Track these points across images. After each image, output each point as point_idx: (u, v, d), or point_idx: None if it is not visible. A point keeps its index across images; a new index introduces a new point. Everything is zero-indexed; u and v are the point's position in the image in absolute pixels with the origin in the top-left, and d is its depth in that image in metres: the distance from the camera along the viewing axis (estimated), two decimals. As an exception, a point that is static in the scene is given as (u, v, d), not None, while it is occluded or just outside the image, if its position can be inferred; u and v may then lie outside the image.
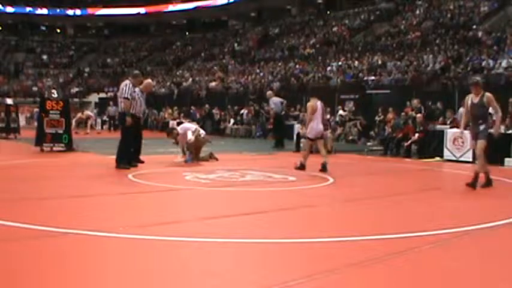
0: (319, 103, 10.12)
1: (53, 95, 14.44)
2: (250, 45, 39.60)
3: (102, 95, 40.30)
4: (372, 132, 18.98)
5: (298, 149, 14.64)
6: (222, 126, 24.77)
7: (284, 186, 8.09)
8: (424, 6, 30.05)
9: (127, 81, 10.02)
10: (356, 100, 21.71)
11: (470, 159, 12.19)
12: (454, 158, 12.44)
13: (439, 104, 16.90)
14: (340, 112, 21.03)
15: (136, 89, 10.19)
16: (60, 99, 14.16)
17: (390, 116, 16.39)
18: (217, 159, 11.42)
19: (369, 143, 17.68)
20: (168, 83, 37.20)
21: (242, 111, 24.67)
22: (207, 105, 26.26)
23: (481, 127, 7.69)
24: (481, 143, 7.73)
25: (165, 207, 6.23)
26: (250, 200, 6.87)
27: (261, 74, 31.53)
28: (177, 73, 40.10)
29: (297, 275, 3.43)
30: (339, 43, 31.46)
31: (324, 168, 9.72)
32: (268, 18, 44.62)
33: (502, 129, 12.89)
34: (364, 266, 3.71)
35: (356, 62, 26.12)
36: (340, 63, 27.11)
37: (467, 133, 8.38)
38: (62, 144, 13.28)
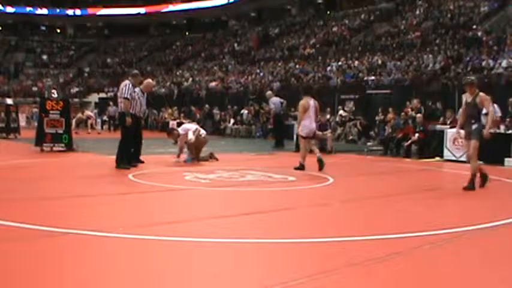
0: (312, 102, 10.12)
1: (53, 95, 14.44)
2: (250, 45, 39.60)
3: (102, 95, 40.29)
4: (372, 132, 18.98)
5: (298, 149, 14.61)
6: (222, 126, 24.77)
7: (284, 186, 8.09)
8: (424, 6, 30.04)
9: (127, 82, 10.03)
10: (356, 100, 21.72)
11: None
12: (454, 158, 12.44)
13: (439, 104, 16.90)
14: (341, 112, 21.04)
15: (137, 89, 10.20)
16: (60, 99, 14.17)
17: (390, 116, 16.40)
18: (217, 159, 11.42)
19: (369, 143, 17.68)
20: (168, 83, 37.19)
21: (242, 111, 24.69)
22: (207, 105, 26.27)
23: (473, 126, 7.68)
24: (474, 143, 7.73)
25: (165, 207, 6.23)
26: (250, 200, 6.87)
27: (261, 74, 31.53)
28: (177, 73, 40.09)
29: (297, 275, 3.43)
30: (339, 43, 31.45)
31: (321, 163, 9.73)
32: (268, 18, 44.61)
33: (502, 129, 12.91)
34: (364, 266, 3.71)
35: (356, 62, 26.11)
36: (340, 63, 27.10)
37: (463, 133, 8.38)
38: (62, 144, 13.29)
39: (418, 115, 14.47)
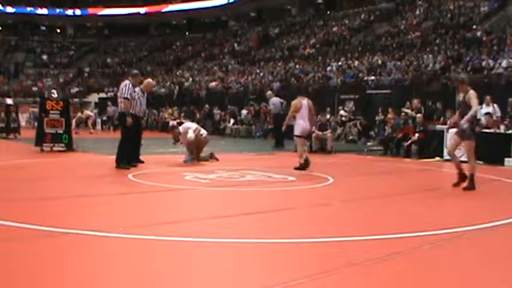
0: (305, 102, 10.18)
1: (53, 95, 14.44)
2: (250, 45, 39.60)
3: (102, 95, 40.27)
4: (372, 132, 18.98)
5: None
6: (222, 126, 24.78)
7: (284, 186, 8.10)
8: (424, 6, 30.03)
9: (127, 82, 10.03)
10: (356, 100, 21.71)
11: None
12: (454, 158, 12.41)
13: (439, 104, 16.90)
14: (342, 112, 21.04)
15: (137, 89, 10.20)
16: (60, 99, 14.17)
17: (390, 116, 16.39)
18: (217, 159, 11.41)
19: (369, 143, 17.68)
20: (168, 83, 37.19)
21: (242, 111, 24.69)
22: (207, 105, 26.26)
23: (465, 126, 7.66)
24: (469, 144, 7.72)
25: (165, 207, 6.23)
26: (250, 200, 6.87)
27: (261, 74, 31.53)
28: (177, 73, 40.09)
29: (297, 275, 3.43)
30: (339, 43, 31.45)
31: (306, 163, 9.87)
32: (268, 18, 44.61)
33: (502, 129, 12.91)
34: (364, 266, 3.71)
35: (356, 62, 26.10)
36: (340, 63, 27.09)
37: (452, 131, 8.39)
38: (62, 144, 13.29)
39: (418, 115, 14.47)
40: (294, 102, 10.28)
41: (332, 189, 7.95)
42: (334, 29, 34.28)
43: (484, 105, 14.34)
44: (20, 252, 3.94)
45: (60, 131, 13.27)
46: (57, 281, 3.35)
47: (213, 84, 32.35)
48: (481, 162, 11.86)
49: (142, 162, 10.46)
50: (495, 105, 14.36)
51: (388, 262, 3.86)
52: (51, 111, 13.26)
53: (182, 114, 26.44)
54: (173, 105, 29.56)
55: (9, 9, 50.89)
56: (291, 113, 10.35)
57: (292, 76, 28.09)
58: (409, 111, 15.83)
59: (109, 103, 30.86)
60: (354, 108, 21.21)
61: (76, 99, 37.90)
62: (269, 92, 18.47)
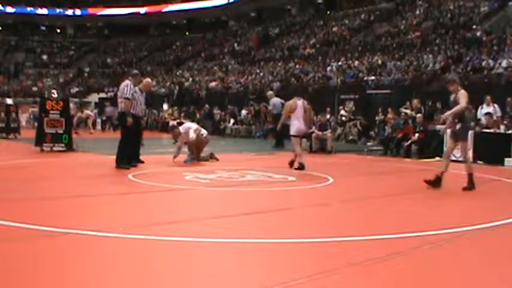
0: (300, 102, 10.27)
1: (53, 95, 14.43)
2: (250, 45, 39.60)
3: (102, 95, 40.28)
4: (372, 132, 18.98)
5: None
6: (222, 126, 24.77)
7: (284, 186, 8.10)
8: (424, 6, 30.04)
9: (128, 82, 10.02)
10: (356, 100, 21.70)
11: (471, 160, 12.16)
12: (454, 158, 12.33)
13: (439, 104, 16.89)
14: (342, 112, 21.04)
15: (136, 88, 10.21)
16: (60, 99, 14.16)
17: (390, 116, 16.39)
18: (217, 160, 11.41)
19: (369, 143, 17.67)
20: (168, 83, 37.20)
21: (242, 111, 24.69)
22: (207, 105, 26.26)
23: (457, 126, 7.66)
24: (463, 145, 7.76)
25: (165, 207, 6.23)
26: (250, 200, 6.87)
27: (261, 74, 31.53)
28: (177, 73, 40.09)
29: (297, 275, 3.43)
30: (339, 43, 31.45)
31: (291, 165, 10.12)
32: (268, 18, 44.61)
33: (502, 129, 12.91)
34: (364, 266, 3.71)
35: (356, 62, 26.10)
36: (340, 63, 27.09)
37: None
38: (62, 144, 13.28)
39: (418, 115, 14.47)
40: (289, 103, 10.47)
41: (332, 189, 7.95)
42: (334, 29, 34.28)
43: (484, 105, 14.34)
44: (20, 252, 3.94)
45: (60, 131, 13.27)
46: (57, 281, 3.35)
47: (213, 84, 32.35)
48: (481, 162, 11.91)
49: (142, 162, 10.46)
50: (496, 105, 14.36)
51: (388, 262, 3.86)
52: (51, 111, 13.26)
53: (182, 114, 26.45)
54: (173, 105, 29.56)
55: (9, 9, 50.92)
56: (285, 113, 10.53)
57: (292, 76, 28.09)
58: (407, 111, 15.84)
59: (107, 103, 30.86)
60: (354, 108, 21.21)
61: (76, 99, 37.92)
62: (270, 92, 18.46)
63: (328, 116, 17.90)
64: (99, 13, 53.08)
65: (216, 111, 25.88)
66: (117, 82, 27.44)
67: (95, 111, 32.90)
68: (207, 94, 30.68)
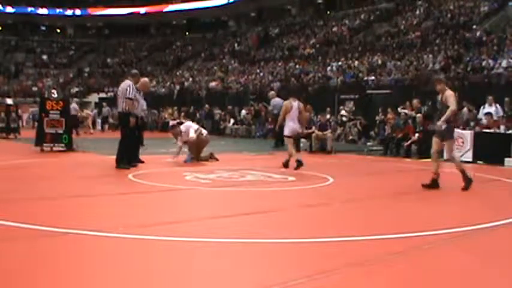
0: (295, 103, 10.42)
1: (53, 95, 14.43)
2: (250, 45, 39.60)
3: (102, 95, 40.27)
4: (372, 132, 18.98)
5: (298, 149, 14.61)
6: (222, 126, 24.77)
7: (284, 186, 8.10)
8: (424, 6, 30.03)
9: (129, 82, 9.99)
10: (356, 100, 21.70)
11: (471, 159, 12.20)
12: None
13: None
14: (342, 112, 21.04)
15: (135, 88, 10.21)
16: (60, 99, 14.16)
17: (390, 116, 16.39)
18: (217, 160, 11.41)
19: (369, 143, 17.68)
20: (168, 83, 37.20)
21: (242, 111, 24.69)
22: (207, 105, 26.26)
23: (444, 126, 7.66)
24: (450, 143, 7.75)
25: (165, 207, 6.23)
26: (250, 200, 6.87)
27: (261, 74, 31.53)
28: (177, 73, 40.09)
29: (297, 275, 3.43)
30: (339, 43, 31.45)
31: (285, 165, 10.20)
32: (268, 18, 44.58)
33: (502, 129, 12.91)
34: (364, 266, 3.72)
35: (356, 62, 26.11)
36: (340, 63, 27.09)
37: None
38: (62, 144, 13.28)
39: (418, 115, 14.47)
40: (285, 103, 10.64)
41: (332, 189, 7.95)
42: (334, 29, 34.27)
43: (486, 105, 14.33)
44: (20, 252, 3.94)
45: (60, 131, 13.26)
46: (57, 281, 3.35)
47: (213, 84, 32.35)
48: (481, 162, 11.92)
49: (143, 162, 10.46)
50: (498, 105, 14.34)
51: (388, 262, 3.87)
52: (51, 111, 13.25)
53: (182, 114, 26.45)
54: (173, 105, 29.55)
55: (9, 9, 50.89)
56: (282, 114, 10.67)
57: (292, 76, 28.09)
58: (404, 111, 15.84)
59: (104, 103, 30.86)
60: (354, 108, 21.21)
61: (76, 99, 37.91)
62: (272, 92, 18.49)
63: (328, 116, 17.90)
64: (99, 13, 53.04)
65: (216, 111, 25.88)
66: (117, 82, 27.44)
67: (95, 111, 32.91)
68: (207, 94, 30.67)
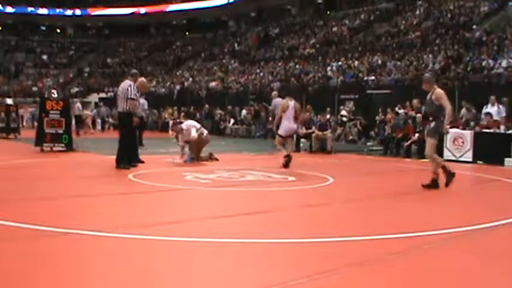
0: (292, 103, 10.49)
1: (53, 95, 14.42)
2: (250, 45, 39.60)
3: (102, 95, 40.29)
4: (372, 132, 18.98)
5: (298, 149, 14.65)
6: (222, 126, 24.78)
7: (284, 186, 8.09)
8: (424, 6, 30.04)
9: (130, 82, 9.98)
10: (356, 100, 21.71)
11: (471, 159, 12.21)
12: (454, 158, 12.43)
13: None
14: (343, 112, 21.04)
15: (135, 88, 10.22)
16: (60, 99, 14.16)
17: (390, 116, 16.40)
18: (217, 160, 11.41)
19: (369, 143, 17.69)
20: (168, 83, 37.20)
21: (242, 111, 24.70)
22: (207, 105, 26.27)
23: (431, 124, 7.67)
24: (428, 142, 7.76)
25: (165, 207, 6.23)
26: (250, 200, 6.87)
27: (261, 74, 31.53)
28: (177, 73, 40.09)
29: (297, 275, 3.43)
30: (339, 43, 31.45)
31: (285, 165, 10.19)
32: (268, 18, 44.59)
33: (502, 129, 12.91)
34: (364, 266, 3.72)
35: (356, 62, 26.11)
36: (340, 63, 27.10)
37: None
38: (62, 144, 13.28)
39: (418, 115, 14.46)
40: (282, 103, 10.71)
41: (332, 189, 7.95)
42: (334, 29, 34.27)
43: (489, 105, 14.32)
44: (20, 252, 3.94)
45: (60, 131, 13.26)
46: (57, 281, 3.35)
47: (213, 84, 32.36)
48: (481, 162, 11.92)
49: (143, 162, 10.46)
50: (500, 105, 14.33)
51: (388, 262, 3.87)
52: (51, 111, 13.25)
53: (182, 114, 26.45)
54: (173, 105, 29.56)
55: (9, 9, 50.89)
56: (279, 112, 10.71)
57: (292, 76, 28.09)
58: (401, 111, 15.86)
59: (101, 103, 30.85)
60: (354, 108, 21.22)
61: (76, 99, 37.92)
62: (274, 92, 18.52)
63: (328, 116, 17.90)
64: (99, 13, 53.04)
65: (217, 111, 25.88)
66: (117, 82, 27.45)
67: (95, 111, 32.91)
68: (207, 94, 30.68)
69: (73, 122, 18.43)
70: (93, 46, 53.91)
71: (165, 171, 9.82)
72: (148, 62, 47.37)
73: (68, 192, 6.88)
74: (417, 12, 29.89)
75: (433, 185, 7.63)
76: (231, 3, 46.40)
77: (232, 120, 24.77)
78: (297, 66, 29.63)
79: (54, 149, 13.22)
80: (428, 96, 7.77)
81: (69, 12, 53.31)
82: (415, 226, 5.19)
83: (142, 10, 51.86)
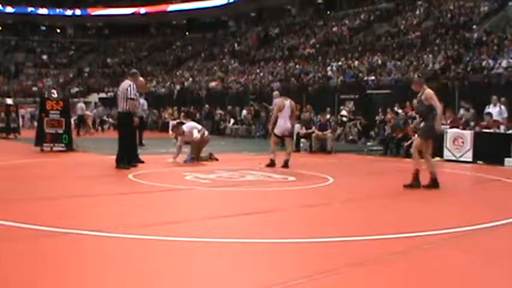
0: (287, 102, 10.47)
1: (53, 95, 14.42)
2: (250, 45, 39.60)
3: (102, 95, 40.30)
4: (372, 132, 18.98)
5: (298, 148, 14.66)
6: (222, 126, 24.78)
7: (284, 186, 8.09)
8: (424, 6, 30.05)
9: (129, 82, 9.97)
10: (356, 100, 21.72)
11: (471, 159, 12.21)
12: (454, 158, 12.44)
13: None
14: (343, 112, 21.04)
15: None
16: (60, 99, 14.15)
17: (390, 116, 16.41)
18: (217, 160, 11.41)
19: (369, 143, 17.68)
20: (168, 83, 37.20)
21: (242, 111, 24.69)
22: (207, 105, 26.27)
23: (422, 124, 7.68)
24: (416, 141, 7.82)
25: (165, 207, 6.23)
26: (250, 200, 6.87)
27: (261, 74, 31.53)
28: (177, 73, 40.09)
29: (297, 275, 3.43)
30: (339, 43, 31.45)
31: (285, 165, 10.17)
32: (268, 18, 44.59)
33: (502, 129, 12.91)
34: (364, 266, 3.71)
35: (356, 62, 26.12)
36: (340, 63, 27.10)
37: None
38: (62, 144, 13.27)
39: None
40: (277, 103, 10.66)
41: (332, 189, 7.95)
42: (334, 29, 34.28)
43: (491, 105, 14.32)
44: (20, 252, 3.94)
45: (60, 131, 13.26)
46: (57, 281, 3.35)
47: (213, 84, 32.36)
48: (481, 162, 11.92)
49: (143, 162, 10.46)
50: (502, 106, 14.33)
51: (388, 262, 3.87)
52: (51, 111, 13.24)
53: (182, 114, 26.44)
54: (173, 105, 29.56)
55: (9, 9, 50.89)
56: (275, 112, 10.69)
57: (292, 76, 28.10)
58: (399, 111, 15.87)
59: (99, 103, 30.85)
60: (354, 108, 21.22)
61: (76, 99, 37.90)
62: (276, 92, 18.50)
63: (328, 116, 17.91)
64: (99, 13, 53.04)
65: (217, 111, 25.88)
66: (117, 82, 27.45)
67: (95, 111, 32.91)
68: (207, 94, 30.68)
69: (74, 121, 18.44)
70: (93, 46, 53.92)
71: (165, 171, 9.82)
72: (148, 62, 47.38)
73: (68, 192, 6.88)
74: (417, 12, 29.90)
75: (433, 185, 7.64)
76: (231, 3, 46.41)
77: (232, 120, 24.76)
78: (297, 66, 29.63)
79: (54, 149, 13.21)
80: (418, 97, 7.80)
81: (69, 12, 53.32)
82: (415, 226, 5.19)
83: (143, 10, 51.87)
